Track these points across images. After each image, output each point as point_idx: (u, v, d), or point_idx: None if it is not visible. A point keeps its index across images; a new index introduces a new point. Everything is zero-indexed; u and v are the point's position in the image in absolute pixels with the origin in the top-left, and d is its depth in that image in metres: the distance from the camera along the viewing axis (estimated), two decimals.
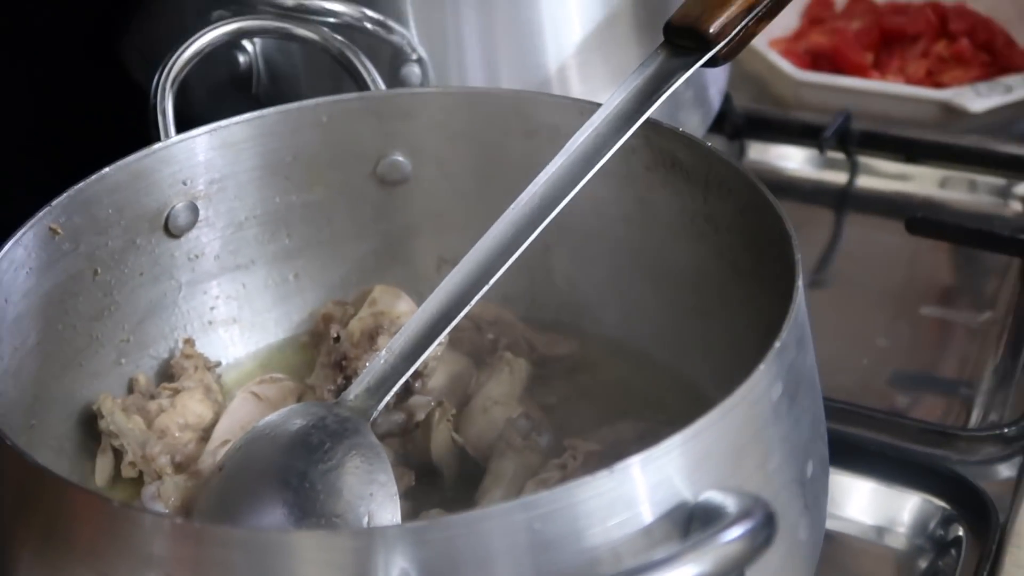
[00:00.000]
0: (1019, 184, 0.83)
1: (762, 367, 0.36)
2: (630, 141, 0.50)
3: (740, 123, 0.90)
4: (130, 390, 0.55)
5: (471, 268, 0.47)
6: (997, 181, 0.84)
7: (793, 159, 0.91)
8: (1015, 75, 0.93)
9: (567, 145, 0.50)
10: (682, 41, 0.52)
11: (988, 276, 0.76)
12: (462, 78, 0.66)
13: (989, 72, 0.97)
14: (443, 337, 0.47)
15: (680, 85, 0.51)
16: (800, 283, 0.41)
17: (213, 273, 0.57)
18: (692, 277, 0.54)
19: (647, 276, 0.56)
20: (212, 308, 0.58)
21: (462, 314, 0.46)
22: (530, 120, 0.55)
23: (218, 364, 0.57)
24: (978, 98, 0.89)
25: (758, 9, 0.53)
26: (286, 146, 0.56)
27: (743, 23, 0.52)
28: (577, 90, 0.69)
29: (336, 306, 0.59)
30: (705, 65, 0.52)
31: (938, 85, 0.96)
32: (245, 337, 0.60)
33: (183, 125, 0.55)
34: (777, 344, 0.37)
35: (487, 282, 0.47)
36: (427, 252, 0.60)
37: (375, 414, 0.45)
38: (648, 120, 0.50)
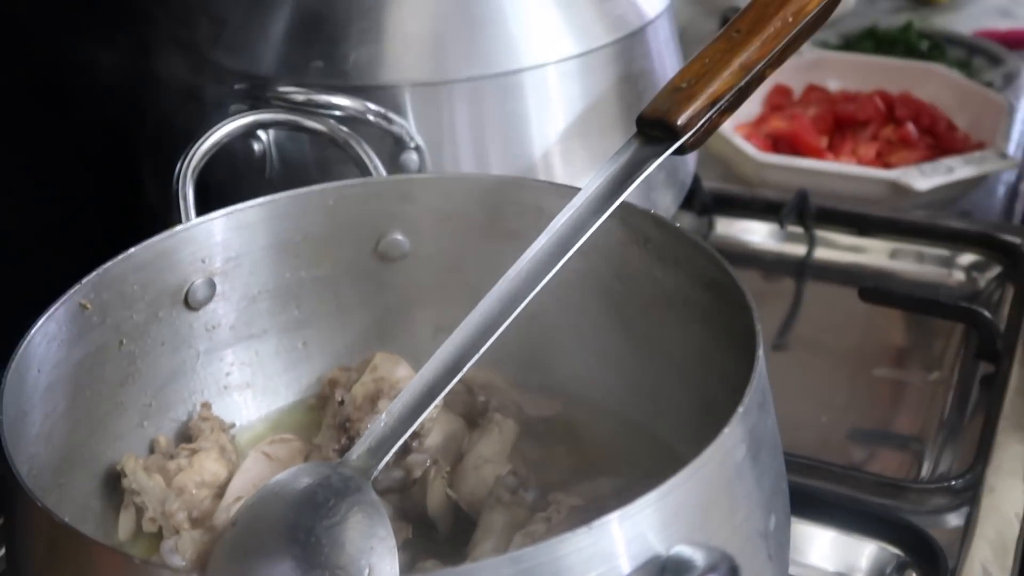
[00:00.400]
0: (961, 255, 0.84)
1: (726, 431, 0.37)
2: (607, 221, 0.50)
3: (708, 201, 0.91)
4: (152, 450, 0.55)
5: (463, 338, 0.48)
6: (942, 252, 0.85)
7: (757, 233, 0.92)
8: (955, 156, 0.94)
9: (550, 225, 0.50)
10: (653, 132, 0.53)
11: (935, 339, 0.77)
12: (456, 163, 0.67)
13: (933, 153, 0.99)
14: (438, 401, 0.47)
15: (653, 169, 0.52)
16: (761, 353, 0.41)
17: (229, 342, 0.58)
18: (665, 344, 0.54)
19: (625, 343, 0.56)
20: (228, 374, 0.58)
21: (455, 380, 0.46)
22: (517, 202, 0.56)
23: (233, 425, 0.57)
24: (923, 177, 0.90)
25: (721, 103, 0.54)
26: (295, 227, 0.56)
27: (707, 116, 0.53)
28: (560, 174, 0.69)
29: (342, 371, 0.59)
30: (674, 153, 0.53)
31: (887, 165, 0.98)
32: (258, 400, 0.60)
33: (206, 204, 0.56)
34: (740, 410, 0.38)
35: (478, 351, 0.47)
36: (425, 322, 0.60)
37: (375, 473, 0.45)
38: (623, 203, 0.51)
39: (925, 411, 0.70)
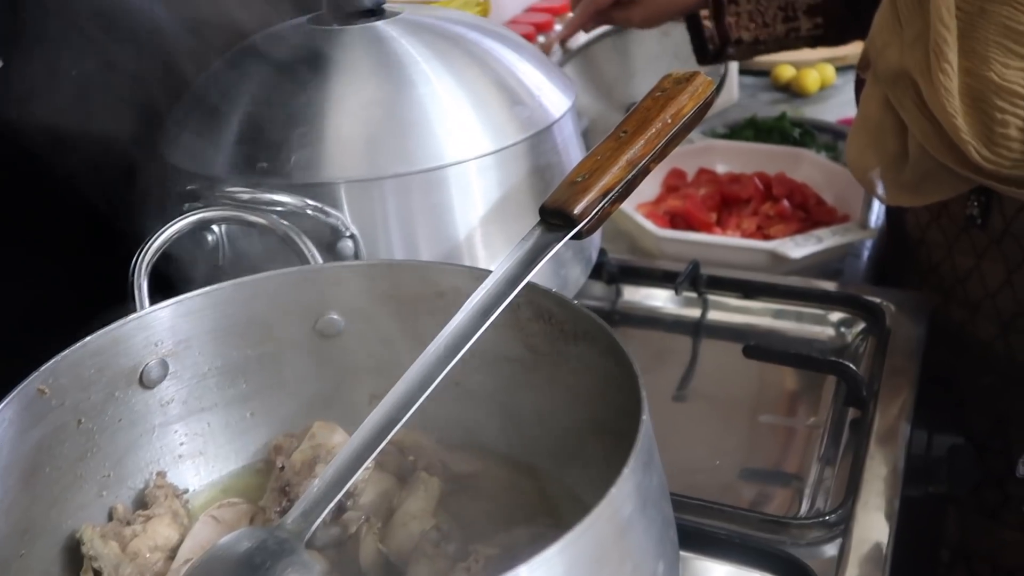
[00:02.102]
0: (831, 313, 0.85)
1: (612, 491, 0.36)
2: (515, 299, 0.50)
3: (615, 272, 0.91)
4: (110, 518, 0.52)
5: (387, 410, 0.47)
6: (815, 311, 0.86)
7: (658, 298, 0.92)
8: (824, 228, 0.96)
9: (465, 305, 0.50)
10: (553, 220, 0.53)
11: (812, 389, 0.77)
12: (389, 248, 0.66)
13: (805, 226, 1.00)
14: (365, 466, 0.46)
15: (554, 253, 0.52)
16: (645, 417, 0.41)
17: (182, 415, 0.56)
18: (572, 405, 0.54)
19: (537, 404, 0.56)
20: (181, 444, 0.56)
21: (378, 449, 0.45)
22: (437, 284, 0.55)
23: (186, 491, 0.55)
24: (796, 247, 0.92)
25: (612, 194, 0.54)
26: (240, 311, 0.55)
27: (600, 205, 0.53)
28: (481, 254, 0.69)
29: (286, 438, 0.57)
30: (573, 238, 0.53)
31: (766, 237, 0.99)
32: (210, 467, 0.58)
33: (169, 287, 0.55)
34: (625, 471, 0.37)
35: (400, 421, 0.46)
36: (361, 391, 0.59)
37: (308, 535, 0.44)
38: (528, 283, 0.50)
39: (804, 452, 0.70)
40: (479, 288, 0.50)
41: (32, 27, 0.68)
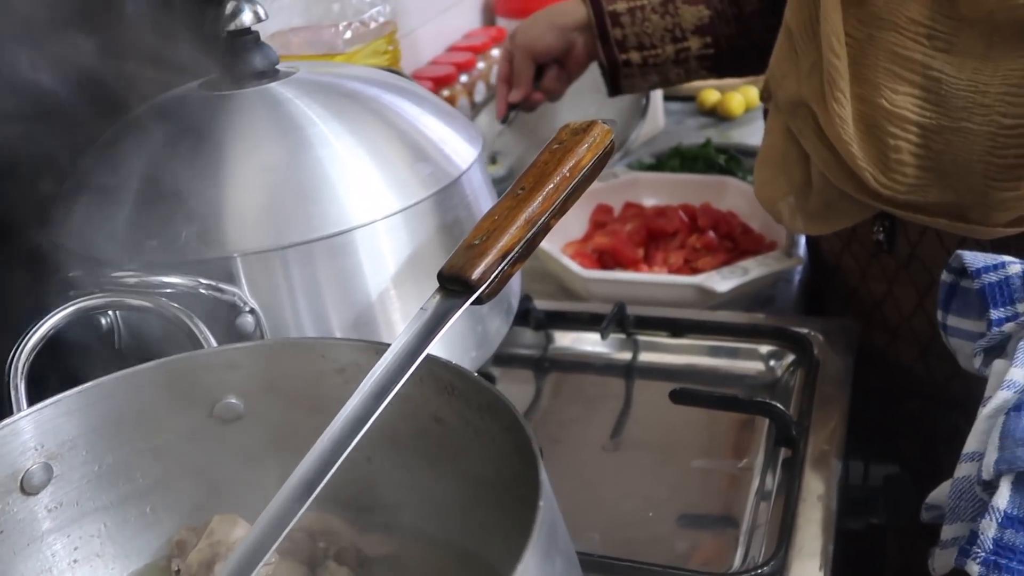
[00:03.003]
0: (761, 346, 0.84)
1: (520, 566, 0.34)
2: (419, 371, 0.48)
3: (541, 318, 0.89)
4: None
5: (287, 496, 0.44)
6: (744, 345, 0.85)
7: (588, 342, 0.90)
8: (751, 258, 0.95)
9: (363, 381, 0.48)
10: (452, 286, 0.51)
11: (744, 429, 0.75)
12: (297, 320, 0.64)
13: (733, 256, 1.00)
14: (266, 561, 0.43)
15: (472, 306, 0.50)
16: (541, 504, 0.38)
17: (74, 518, 0.52)
18: (483, 478, 0.51)
19: (449, 478, 0.53)
20: (76, 548, 0.53)
21: (278, 542, 0.43)
22: (336, 360, 0.53)
23: None
24: (722, 280, 0.91)
25: (511, 256, 0.52)
26: (128, 404, 0.52)
27: (499, 268, 0.51)
28: (396, 317, 0.67)
29: (188, 532, 0.54)
30: (474, 304, 0.52)
31: (695, 270, 0.98)
32: (109, 568, 0.54)
33: (65, 376, 0.52)
34: (519, 566, 0.35)
35: (300, 508, 0.44)
36: (267, 476, 0.55)
37: None
38: (428, 356, 0.48)
39: (738, 496, 0.69)
40: (377, 364, 0.48)
41: None
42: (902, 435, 0.83)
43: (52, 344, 0.56)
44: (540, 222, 0.54)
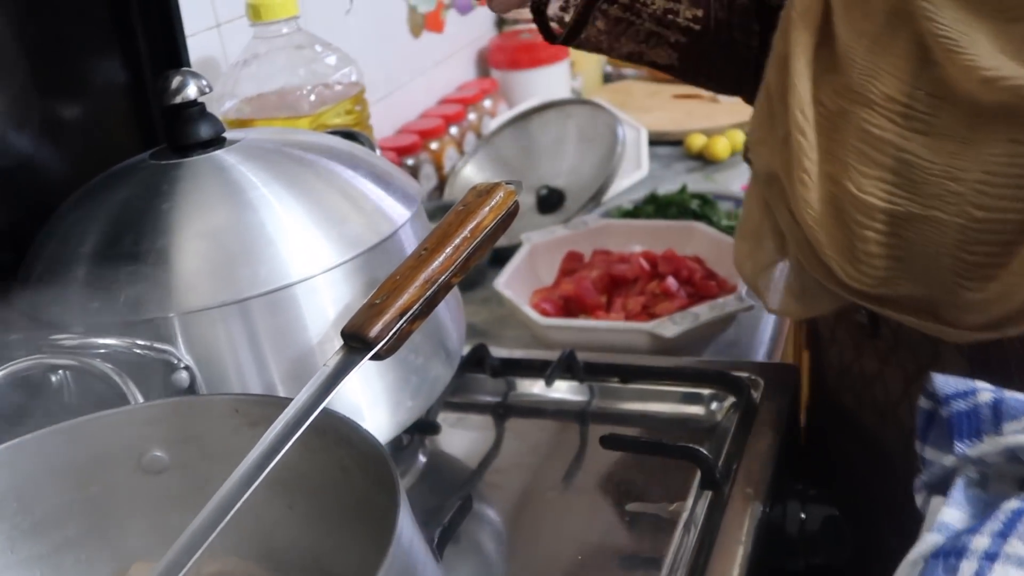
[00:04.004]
0: (704, 390, 0.86)
1: None
2: (319, 423, 0.52)
3: (497, 365, 0.92)
4: None
5: (185, 543, 0.48)
6: (690, 390, 0.87)
7: (546, 388, 0.93)
8: (703, 304, 0.97)
9: (266, 432, 0.51)
10: (354, 343, 0.55)
11: (680, 473, 0.77)
12: (239, 374, 0.67)
13: (692, 302, 1.02)
14: None
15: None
16: (395, 541, 0.41)
17: (7, 566, 0.56)
18: (384, 524, 0.54)
19: (360, 523, 0.56)
20: None
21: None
22: (249, 415, 0.56)
23: None
24: (673, 325, 0.93)
25: (410, 313, 0.56)
26: (59, 457, 0.56)
27: (398, 325, 0.55)
28: None
29: None
30: (373, 359, 0.55)
31: (652, 316, 1.01)
32: None
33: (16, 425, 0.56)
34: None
35: (194, 555, 0.47)
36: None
37: None
38: (325, 409, 0.52)
39: (664, 539, 0.70)
40: (278, 419, 0.51)
41: None
42: (842, 484, 0.83)
43: (7, 398, 0.61)
44: (440, 281, 0.57)
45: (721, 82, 0.86)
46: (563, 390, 0.92)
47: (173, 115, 0.73)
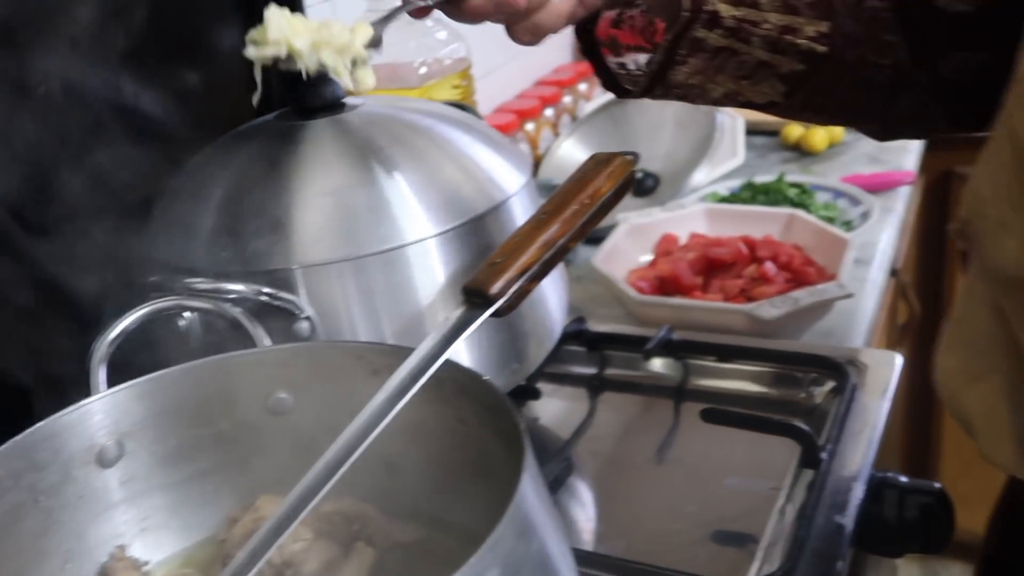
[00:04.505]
0: (803, 373, 0.86)
1: (473, 560, 0.39)
2: (439, 374, 0.54)
3: (594, 339, 0.94)
4: None
5: (310, 481, 0.50)
6: (788, 372, 0.87)
7: (641, 364, 0.94)
8: (802, 289, 0.97)
9: (388, 381, 0.54)
10: (474, 299, 0.57)
11: (779, 451, 0.78)
12: (352, 326, 0.70)
13: (790, 287, 1.02)
14: (287, 536, 0.49)
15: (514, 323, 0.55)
16: (522, 487, 0.43)
17: (143, 491, 0.60)
18: (499, 475, 0.56)
19: (469, 472, 0.58)
20: (144, 518, 0.60)
21: (299, 519, 0.49)
22: (372, 363, 0.59)
23: (146, 563, 0.59)
24: (772, 309, 0.93)
25: (529, 273, 0.58)
26: (194, 393, 0.59)
27: (517, 284, 0.57)
28: None
29: (242, 511, 0.61)
30: (492, 316, 0.57)
31: (750, 300, 1.01)
32: (173, 538, 0.61)
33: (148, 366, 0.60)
34: (489, 540, 0.40)
35: (320, 492, 0.50)
36: (311, 466, 0.62)
37: None
38: (447, 360, 0.54)
39: (762, 515, 0.71)
40: (401, 367, 0.54)
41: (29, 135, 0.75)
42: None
43: (141, 337, 0.64)
44: (558, 244, 0.59)
45: (836, 115, 0.69)
46: (657, 366, 0.93)
47: (299, 79, 0.76)
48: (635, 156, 0.62)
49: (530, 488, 0.44)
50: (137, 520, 0.60)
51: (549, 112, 1.59)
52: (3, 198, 0.68)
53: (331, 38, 0.62)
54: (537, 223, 0.59)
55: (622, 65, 0.65)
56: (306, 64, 0.63)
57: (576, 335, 0.93)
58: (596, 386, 0.93)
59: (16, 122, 0.71)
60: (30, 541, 0.54)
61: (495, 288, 0.55)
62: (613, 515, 0.76)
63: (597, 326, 0.96)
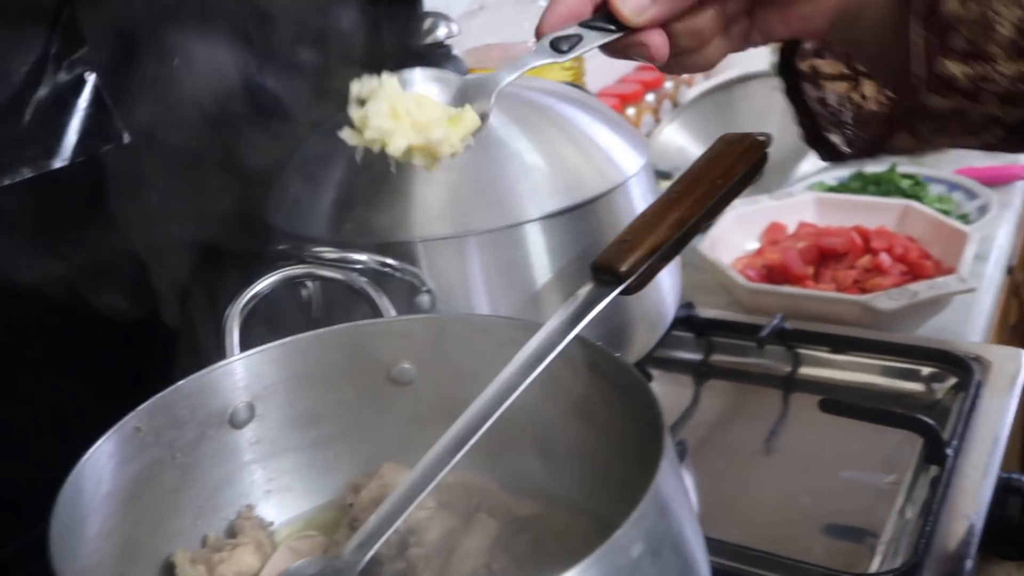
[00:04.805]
0: (922, 367, 0.84)
1: (619, 532, 0.39)
2: (567, 351, 0.53)
3: (702, 324, 0.93)
4: (203, 545, 0.58)
5: (440, 451, 0.51)
6: (906, 366, 0.85)
7: (748, 352, 0.92)
8: (922, 282, 0.94)
9: (516, 356, 0.53)
10: (603, 276, 0.56)
11: (896, 445, 0.76)
12: (468, 301, 0.71)
13: (905, 280, 0.99)
14: (417, 504, 0.49)
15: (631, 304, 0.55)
16: (663, 464, 0.43)
17: (270, 454, 0.61)
18: (624, 453, 0.56)
19: (595, 451, 0.58)
20: (270, 479, 0.62)
21: (429, 488, 0.49)
22: (497, 336, 0.59)
23: (271, 524, 0.60)
24: (889, 301, 0.90)
25: (659, 252, 0.57)
26: (319, 360, 0.60)
27: (647, 263, 0.56)
28: (557, 307, 0.72)
29: (363, 478, 0.62)
30: (621, 294, 0.56)
31: (863, 291, 0.98)
32: (296, 501, 0.63)
33: (270, 333, 0.61)
34: (635, 514, 0.39)
35: (450, 462, 0.50)
36: (432, 436, 0.61)
37: (361, 566, 0.47)
38: (578, 336, 0.54)
39: (881, 510, 0.69)
40: (529, 342, 0.54)
41: (159, 109, 0.77)
42: None
43: (263, 308, 0.66)
44: (689, 224, 0.58)
45: None
46: (764, 355, 0.92)
47: (422, 55, 0.76)
48: (768, 137, 0.61)
49: (668, 466, 0.44)
50: (263, 481, 0.62)
51: (650, 97, 1.58)
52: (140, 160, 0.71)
53: (429, 141, 0.58)
54: (668, 202, 0.58)
55: (823, 101, 0.59)
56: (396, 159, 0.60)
57: (684, 320, 0.92)
58: (703, 373, 0.92)
59: (152, 91, 0.73)
60: (166, 496, 0.56)
61: (625, 266, 0.55)
62: (723, 502, 0.75)
63: (705, 312, 0.95)
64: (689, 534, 0.45)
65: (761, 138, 0.61)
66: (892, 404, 0.82)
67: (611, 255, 0.56)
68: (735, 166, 0.59)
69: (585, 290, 0.56)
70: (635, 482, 0.55)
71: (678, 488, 0.45)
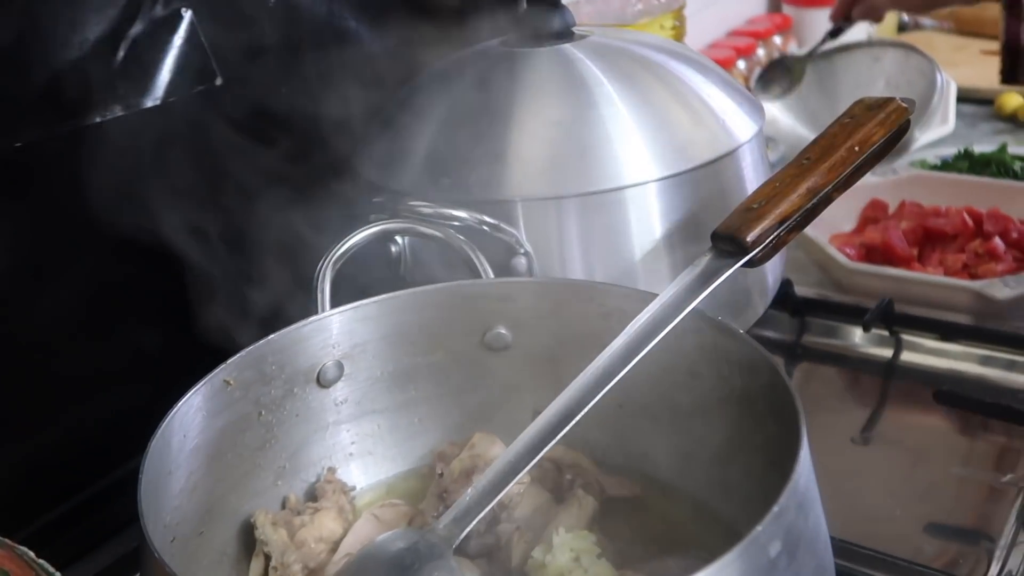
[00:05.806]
0: None
1: (759, 528, 0.34)
2: (681, 324, 0.49)
3: (800, 304, 0.88)
4: (283, 506, 0.56)
5: (544, 425, 0.47)
6: (1022, 358, 0.79)
7: (845, 334, 0.87)
8: None
9: (629, 326, 0.49)
10: (725, 246, 0.52)
11: (1012, 442, 0.71)
12: (564, 266, 0.67)
13: (1020, 267, 0.92)
14: (518, 479, 0.46)
15: (736, 276, 0.51)
16: (803, 454, 0.39)
17: (354, 416, 0.58)
18: (734, 437, 0.52)
19: (698, 433, 0.54)
20: (352, 443, 0.59)
21: (533, 462, 0.46)
22: (604, 304, 0.55)
23: (353, 488, 0.58)
24: (1006, 288, 0.84)
25: (788, 223, 0.52)
26: (413, 320, 0.57)
27: (775, 233, 0.52)
28: (655, 277, 0.68)
29: (450, 446, 0.59)
30: (744, 266, 0.52)
31: (973, 276, 0.92)
32: (377, 467, 0.60)
33: (354, 293, 0.58)
34: (775, 508, 0.35)
35: (557, 435, 0.46)
36: (523, 405, 0.59)
37: (457, 542, 0.44)
38: (694, 309, 0.49)
39: (998, 511, 0.64)
40: (644, 311, 0.49)
41: (252, 52, 0.74)
42: None
43: (350, 265, 0.63)
44: (822, 193, 0.53)
45: None
46: (861, 338, 0.86)
47: (531, 3, 0.72)
48: (911, 103, 0.55)
49: (806, 458, 0.39)
50: (346, 444, 0.59)
51: (742, 64, 1.51)
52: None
53: None
54: (800, 168, 0.53)
55: None
56: None
57: (781, 299, 0.87)
58: (798, 354, 0.87)
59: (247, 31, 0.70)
60: (250, 454, 0.53)
61: (751, 236, 0.50)
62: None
63: (801, 292, 0.89)
64: (823, 535, 0.41)
65: (904, 104, 0.55)
66: (1004, 397, 0.77)
67: (735, 223, 0.51)
68: (874, 133, 0.54)
69: (703, 260, 0.51)
70: (746, 469, 0.51)
71: (813, 483, 0.41)
